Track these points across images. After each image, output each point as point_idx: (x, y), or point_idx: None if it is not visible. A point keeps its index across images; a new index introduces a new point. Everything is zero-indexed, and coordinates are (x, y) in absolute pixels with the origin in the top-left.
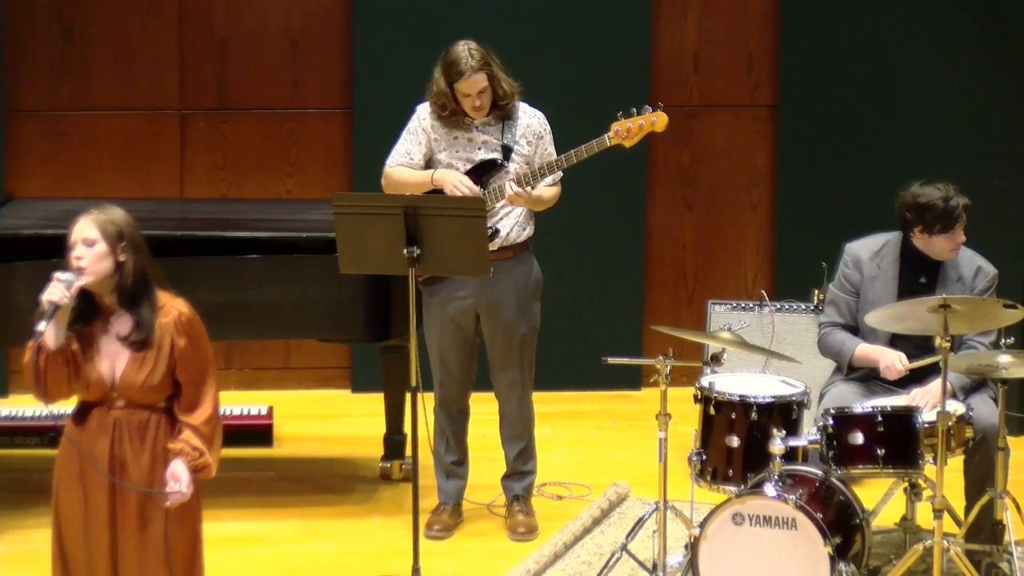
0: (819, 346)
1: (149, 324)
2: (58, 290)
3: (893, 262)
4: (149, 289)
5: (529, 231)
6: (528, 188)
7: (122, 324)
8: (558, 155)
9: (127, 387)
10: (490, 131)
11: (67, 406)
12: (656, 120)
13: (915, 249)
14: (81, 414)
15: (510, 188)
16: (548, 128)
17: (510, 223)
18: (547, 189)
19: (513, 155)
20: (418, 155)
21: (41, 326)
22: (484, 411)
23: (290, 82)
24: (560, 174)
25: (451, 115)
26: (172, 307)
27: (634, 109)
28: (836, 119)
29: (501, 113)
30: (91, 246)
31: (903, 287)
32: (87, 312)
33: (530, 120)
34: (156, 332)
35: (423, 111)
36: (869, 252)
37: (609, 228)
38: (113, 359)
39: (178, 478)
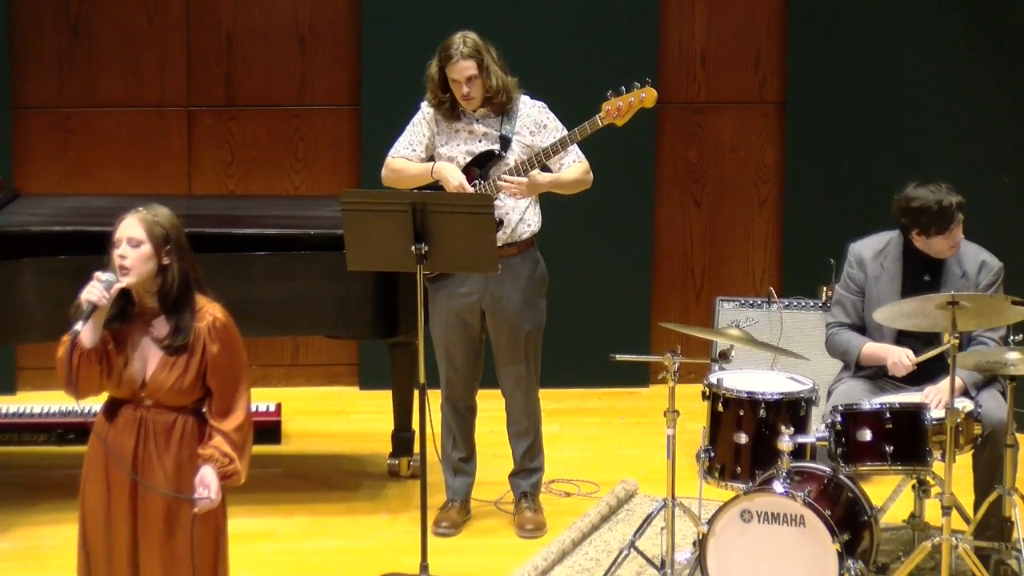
0: (827, 347)
1: (188, 330)
2: (97, 290)
3: (896, 260)
4: (190, 294)
5: (534, 227)
6: (523, 177)
7: (160, 326)
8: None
9: (157, 388)
10: (490, 123)
11: (75, 403)
12: (645, 96)
13: (918, 250)
14: (110, 410)
15: (502, 180)
16: (551, 116)
17: (515, 219)
18: (567, 171)
19: (512, 146)
20: (420, 147)
21: (78, 325)
22: (492, 408)
23: (298, 79)
24: (578, 150)
25: (441, 104)
26: (208, 312)
27: (623, 87)
28: (844, 115)
29: (495, 107)
30: (136, 247)
31: (907, 285)
32: (125, 310)
33: (530, 110)
34: (191, 336)
35: (426, 105)
36: (872, 251)
37: (617, 225)
38: (145, 359)
39: (207, 484)
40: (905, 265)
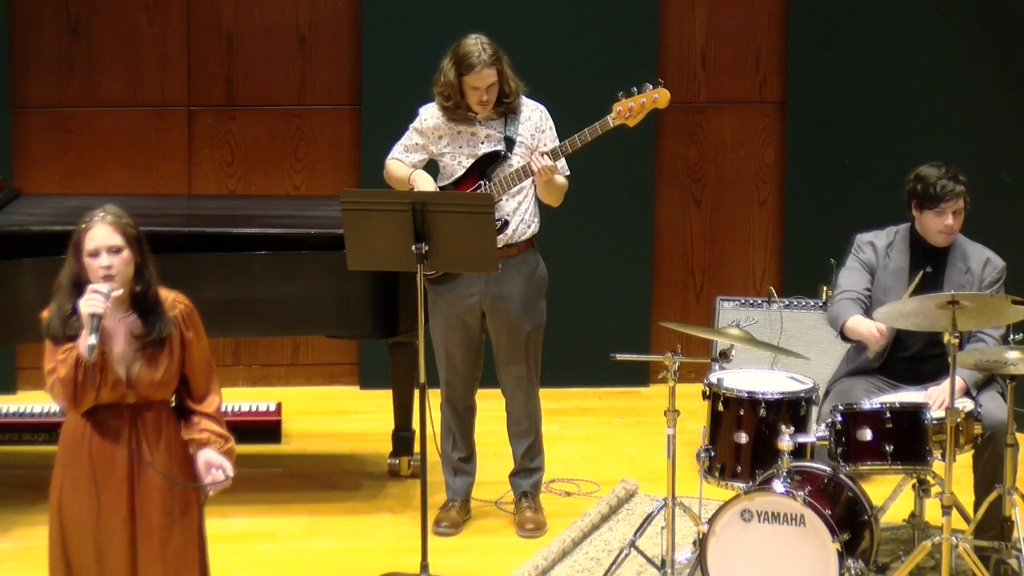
0: (828, 313)
1: (168, 321)
2: (100, 301)
3: (903, 252)
4: (158, 287)
5: (534, 228)
6: (552, 162)
7: (132, 324)
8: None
9: (145, 385)
10: (493, 125)
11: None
12: (658, 96)
13: (921, 238)
14: (90, 415)
15: (539, 160)
16: (550, 121)
17: (516, 220)
18: (560, 177)
19: (516, 147)
20: (415, 156)
21: (92, 340)
22: (492, 408)
23: (298, 78)
24: (567, 171)
25: (457, 108)
26: (176, 300)
27: (634, 88)
28: (844, 115)
29: (504, 109)
30: (118, 253)
31: (913, 277)
32: None
33: (531, 113)
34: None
35: (425, 112)
36: (881, 241)
37: (617, 224)
38: (126, 360)
39: (218, 464)
40: (911, 256)
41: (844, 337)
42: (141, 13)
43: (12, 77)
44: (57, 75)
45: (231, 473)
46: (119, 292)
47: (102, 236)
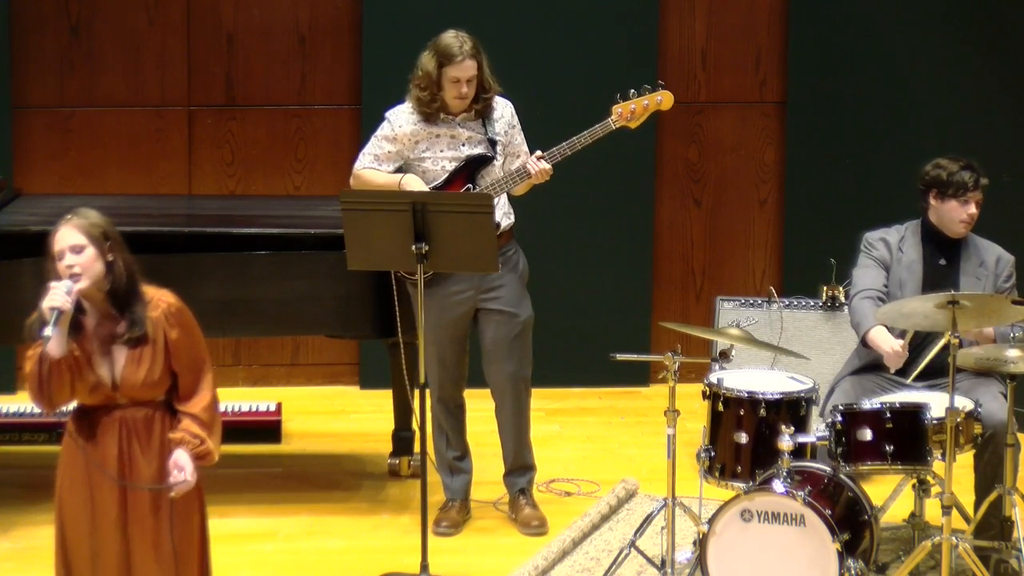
0: (849, 310)
1: (143, 320)
2: (60, 295)
3: (915, 246)
4: (137, 285)
5: (512, 219)
6: (548, 165)
7: (113, 325)
8: (551, 145)
9: (130, 386)
10: (471, 126)
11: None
12: (662, 99)
13: (934, 231)
14: (83, 416)
15: (536, 164)
16: (517, 118)
17: (498, 213)
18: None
19: (496, 147)
20: (387, 166)
21: (48, 331)
22: (488, 407)
23: (298, 78)
24: None
25: (432, 103)
26: (160, 300)
27: (633, 91)
28: (844, 115)
29: (480, 107)
30: (80, 252)
31: (927, 269)
32: (77, 321)
33: (503, 110)
34: (149, 327)
35: (396, 119)
36: (892, 237)
37: (617, 224)
38: (111, 361)
39: (181, 467)
40: (924, 249)
41: (865, 345)
42: (141, 13)
43: (12, 77)
44: (57, 75)
45: (189, 478)
46: (80, 286)
47: (63, 238)
